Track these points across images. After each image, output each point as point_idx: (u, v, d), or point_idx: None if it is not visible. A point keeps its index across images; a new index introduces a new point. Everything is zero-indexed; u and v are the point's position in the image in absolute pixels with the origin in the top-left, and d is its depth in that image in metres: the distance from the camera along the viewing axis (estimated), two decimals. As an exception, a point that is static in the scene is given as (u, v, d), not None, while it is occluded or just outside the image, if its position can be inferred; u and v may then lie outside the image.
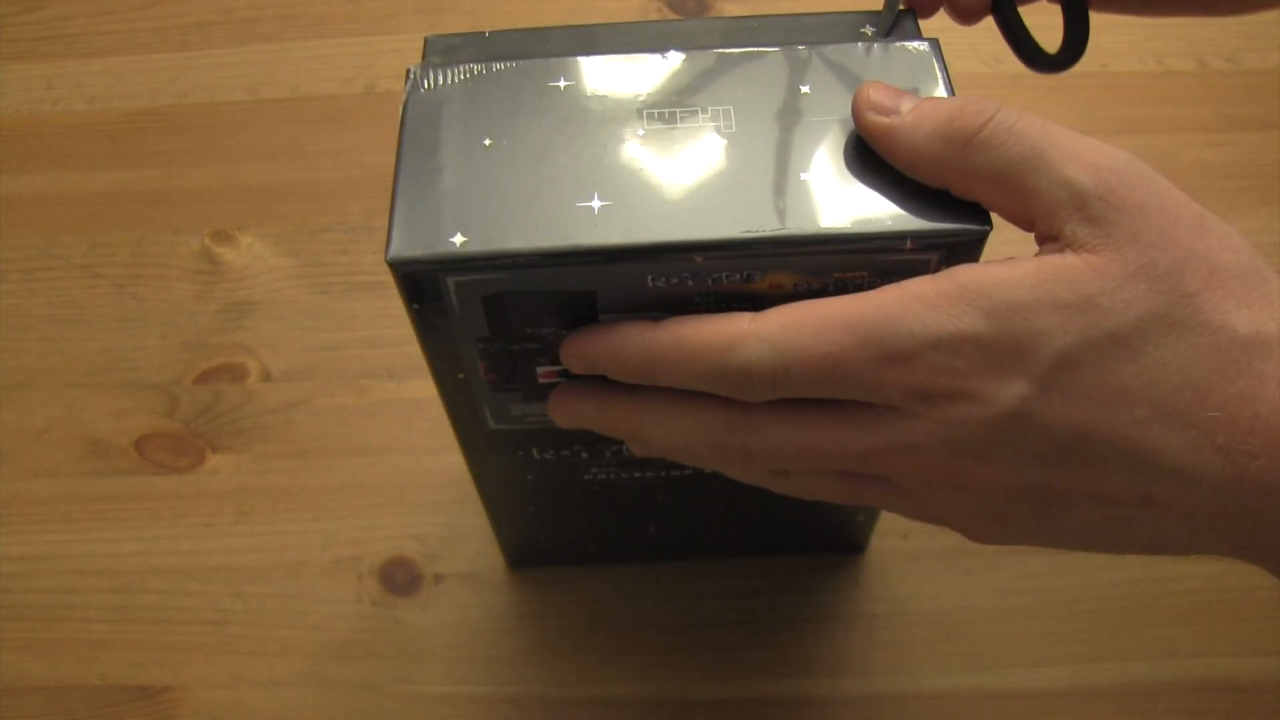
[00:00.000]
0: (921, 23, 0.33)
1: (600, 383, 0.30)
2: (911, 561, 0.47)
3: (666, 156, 0.29)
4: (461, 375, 0.32)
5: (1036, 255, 0.27)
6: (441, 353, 0.31)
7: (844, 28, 0.32)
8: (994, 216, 0.28)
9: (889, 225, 0.27)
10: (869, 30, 0.32)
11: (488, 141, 0.29)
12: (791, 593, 0.46)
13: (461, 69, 0.31)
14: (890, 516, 0.45)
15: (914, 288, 0.26)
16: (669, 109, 0.30)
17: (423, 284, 0.28)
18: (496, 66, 0.31)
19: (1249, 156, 0.57)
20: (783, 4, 0.33)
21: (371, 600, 0.47)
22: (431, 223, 0.28)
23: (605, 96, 0.30)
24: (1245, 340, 0.25)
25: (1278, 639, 0.44)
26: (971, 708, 0.44)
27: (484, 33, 0.32)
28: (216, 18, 0.65)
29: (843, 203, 0.28)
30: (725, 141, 0.29)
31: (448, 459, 0.49)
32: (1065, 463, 0.27)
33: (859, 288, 0.28)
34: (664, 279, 0.28)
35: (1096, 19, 0.34)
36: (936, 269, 0.28)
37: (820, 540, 0.46)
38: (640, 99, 0.30)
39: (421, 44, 0.32)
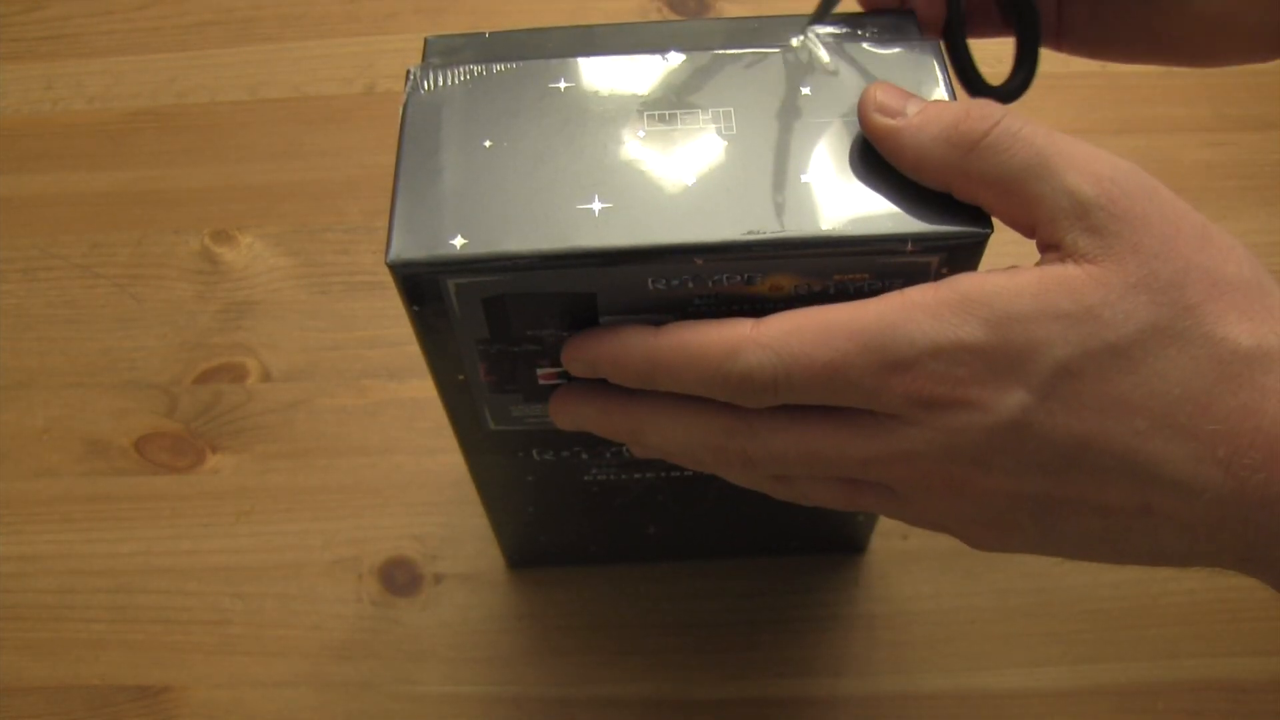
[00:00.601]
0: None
1: (601, 385, 0.30)
2: (911, 561, 0.47)
3: (667, 158, 0.29)
4: (462, 377, 0.32)
5: (1038, 264, 0.27)
6: (441, 354, 0.31)
7: (845, 27, 0.32)
8: (996, 220, 0.28)
9: (889, 227, 0.27)
10: (871, 31, 0.32)
11: (488, 143, 0.29)
12: (791, 593, 0.46)
13: (462, 70, 0.31)
14: (890, 516, 0.45)
15: (916, 295, 0.26)
16: (669, 110, 0.30)
17: (423, 286, 0.28)
18: (497, 68, 0.31)
19: (1249, 156, 0.57)
20: (783, 4, 0.33)
21: (371, 600, 0.47)
22: (432, 224, 0.28)
23: (606, 98, 0.30)
24: (1247, 353, 0.25)
25: (1278, 639, 0.44)
26: (971, 708, 0.44)
27: (484, 34, 0.32)
28: (216, 18, 0.65)
29: (843, 205, 0.28)
30: (726, 143, 0.29)
31: (448, 459, 0.49)
32: (1065, 472, 0.27)
33: (860, 289, 0.28)
34: (664, 281, 0.28)
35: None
36: (937, 271, 0.28)
37: (820, 541, 0.46)
38: (640, 100, 0.30)
39: (421, 44, 0.32)
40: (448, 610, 0.46)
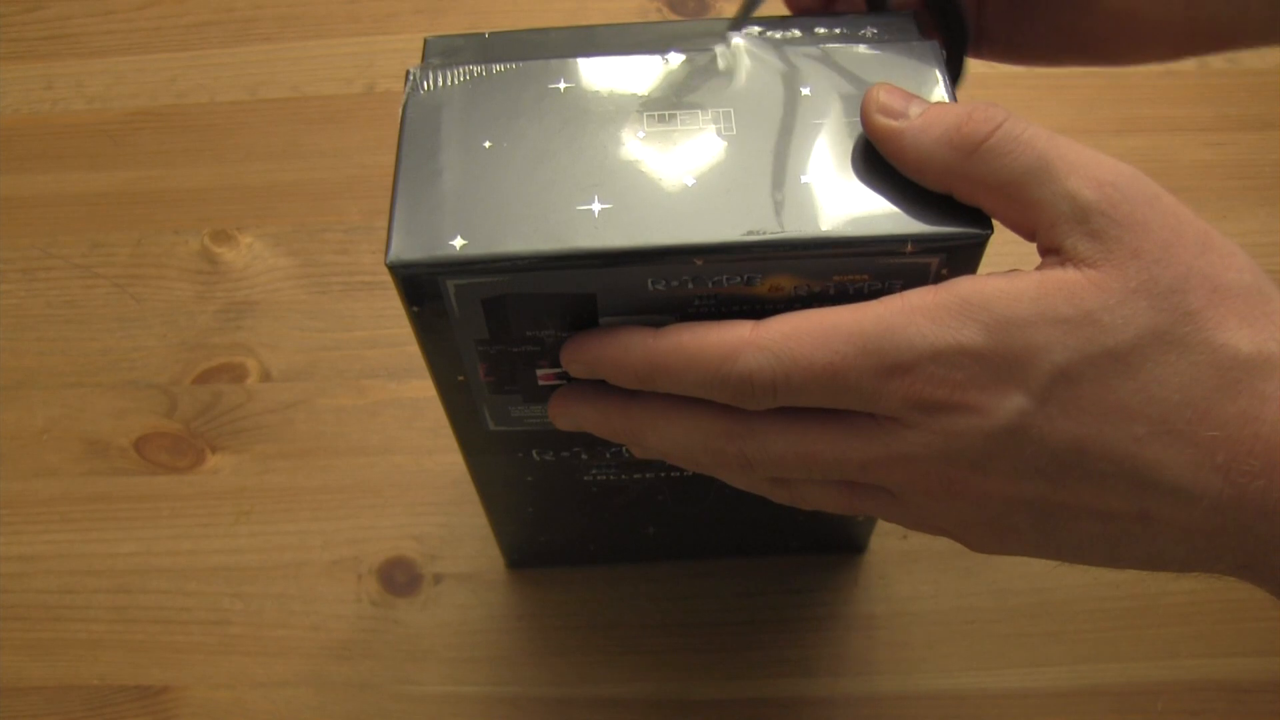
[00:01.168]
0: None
1: (600, 387, 0.30)
2: (911, 561, 0.47)
3: (667, 158, 0.29)
4: (461, 377, 0.32)
5: (1038, 268, 0.27)
6: (441, 354, 0.31)
7: (844, 28, 0.32)
8: (996, 222, 0.28)
9: (889, 228, 0.27)
10: (870, 31, 0.32)
11: (488, 143, 0.29)
12: (791, 593, 0.46)
13: (461, 70, 0.31)
14: (890, 516, 0.45)
15: (915, 299, 0.26)
16: (669, 110, 0.30)
17: (422, 286, 0.28)
18: (496, 68, 0.30)
19: (1249, 156, 0.57)
20: (783, 5, 0.33)
21: (371, 600, 0.47)
22: (431, 225, 0.28)
23: (605, 98, 0.30)
24: (1247, 359, 0.25)
25: (1278, 639, 0.44)
26: (971, 708, 0.44)
27: (484, 34, 0.32)
28: (216, 18, 0.65)
29: (843, 205, 0.28)
30: (726, 143, 0.29)
31: (448, 459, 0.49)
32: (1063, 477, 0.27)
33: (860, 290, 0.28)
34: (664, 282, 0.28)
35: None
36: (937, 272, 0.28)
37: (820, 541, 0.46)
38: (640, 100, 0.30)
39: (421, 44, 0.32)
40: (447, 610, 0.46)
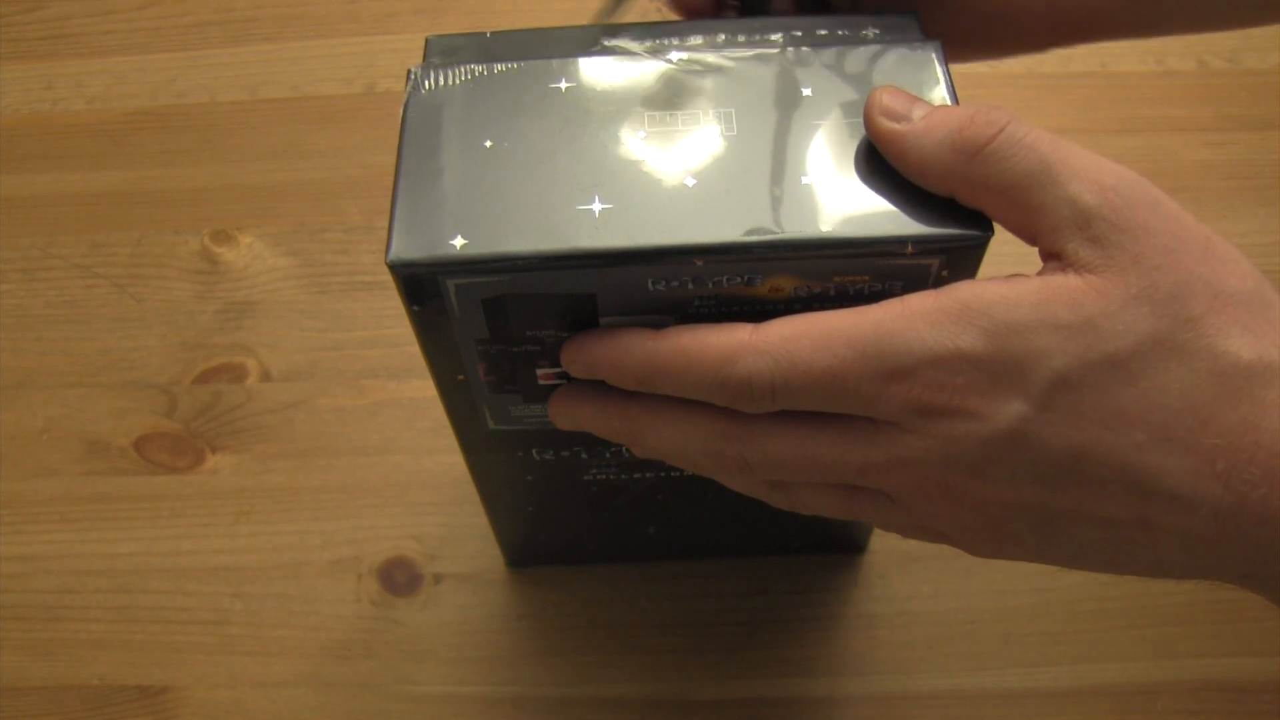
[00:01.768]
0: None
1: (600, 386, 0.30)
2: (911, 561, 0.47)
3: (668, 158, 0.29)
4: (461, 376, 0.32)
5: (1039, 273, 0.27)
6: (441, 354, 0.31)
7: (846, 28, 0.32)
8: (997, 225, 0.28)
9: (889, 230, 0.27)
10: (872, 32, 0.32)
11: (488, 143, 0.29)
12: (791, 593, 0.46)
13: (463, 70, 0.31)
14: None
15: (915, 303, 0.26)
16: (670, 111, 0.30)
17: (423, 286, 0.28)
18: (498, 67, 0.31)
19: (1249, 156, 0.57)
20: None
21: (371, 600, 0.47)
22: (432, 225, 0.28)
23: (607, 98, 0.30)
24: (1248, 367, 0.25)
25: (1278, 639, 0.44)
26: (971, 708, 0.44)
27: (485, 34, 0.32)
28: (216, 18, 0.65)
29: (843, 207, 0.28)
30: (726, 144, 0.29)
31: (447, 459, 0.49)
32: (1062, 483, 0.26)
33: (860, 291, 0.28)
34: (664, 282, 0.28)
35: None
36: (938, 273, 0.28)
37: (820, 541, 0.46)
38: (641, 100, 0.30)
39: (421, 44, 0.32)
40: (447, 610, 0.46)
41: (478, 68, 0.31)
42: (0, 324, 0.55)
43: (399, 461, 0.50)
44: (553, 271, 0.28)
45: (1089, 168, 0.26)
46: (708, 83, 0.30)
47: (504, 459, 0.37)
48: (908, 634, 0.45)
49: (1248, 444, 0.25)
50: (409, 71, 0.31)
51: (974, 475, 0.27)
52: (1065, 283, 0.26)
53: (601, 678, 0.45)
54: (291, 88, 0.62)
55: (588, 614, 0.46)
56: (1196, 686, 0.44)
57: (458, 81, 0.30)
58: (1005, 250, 0.30)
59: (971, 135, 0.27)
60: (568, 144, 0.29)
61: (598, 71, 0.30)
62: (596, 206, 0.28)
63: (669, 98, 0.30)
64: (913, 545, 0.47)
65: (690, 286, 0.28)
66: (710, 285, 0.28)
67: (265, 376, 0.53)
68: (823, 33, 0.32)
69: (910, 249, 0.27)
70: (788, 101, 0.30)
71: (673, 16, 0.35)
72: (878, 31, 0.32)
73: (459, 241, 0.27)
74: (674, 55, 0.31)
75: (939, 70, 0.30)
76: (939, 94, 0.30)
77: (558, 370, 0.31)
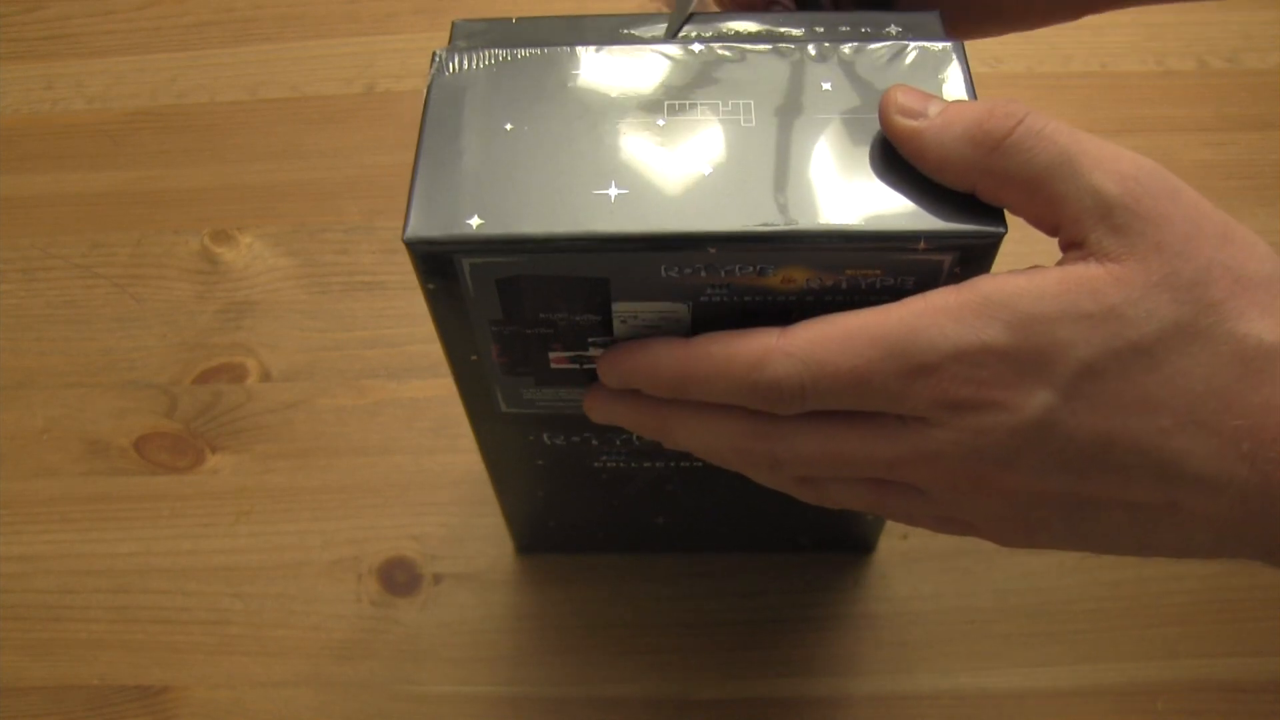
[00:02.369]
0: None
1: None
2: (911, 561, 0.47)
3: (685, 147, 0.29)
4: (475, 357, 0.32)
5: (1059, 264, 0.27)
6: (456, 334, 0.31)
7: (868, 25, 0.32)
8: (1013, 221, 0.28)
9: (902, 224, 0.27)
10: (894, 29, 0.32)
11: (509, 126, 0.29)
12: (792, 593, 0.46)
13: (487, 54, 0.31)
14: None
15: (937, 299, 0.26)
16: (690, 100, 0.30)
17: (438, 264, 0.28)
18: (521, 53, 0.31)
19: (1249, 156, 0.57)
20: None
21: (371, 600, 0.47)
22: (449, 204, 0.28)
23: (627, 85, 0.30)
24: (1270, 349, 0.26)
25: (1278, 639, 0.44)
26: (971, 708, 0.44)
27: (511, 19, 0.32)
28: (216, 18, 0.65)
29: (857, 200, 0.28)
30: (744, 135, 0.29)
31: (447, 459, 0.49)
32: (1090, 470, 0.27)
33: (873, 285, 0.29)
34: (677, 269, 0.28)
35: (1099, 18, 0.34)
36: (951, 270, 0.28)
37: (829, 538, 0.46)
38: (662, 89, 0.30)
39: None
40: (447, 610, 0.46)
41: (501, 52, 0.31)
42: (0, 324, 0.55)
43: (399, 461, 0.50)
44: (567, 254, 0.28)
45: (1108, 157, 0.26)
46: (728, 74, 0.30)
47: (515, 442, 0.37)
48: (908, 634, 0.45)
49: (1272, 424, 0.26)
50: (434, 54, 0.31)
51: (1003, 466, 0.27)
52: (1087, 272, 0.26)
53: (601, 678, 0.45)
54: (291, 88, 0.62)
55: (588, 614, 0.46)
56: (1196, 686, 0.44)
57: (481, 65, 0.31)
58: (1006, 250, 0.30)
59: (991, 128, 0.27)
60: (587, 130, 0.29)
61: (619, 60, 0.31)
62: (613, 191, 0.28)
63: (689, 88, 0.30)
64: (913, 545, 0.47)
65: (703, 274, 0.28)
66: (723, 274, 0.28)
67: (265, 376, 0.53)
68: (845, 28, 0.32)
69: (923, 245, 0.27)
70: (807, 95, 0.30)
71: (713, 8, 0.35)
72: (900, 29, 0.32)
73: (475, 221, 0.28)
74: (695, 46, 0.31)
75: (959, 68, 0.30)
76: (959, 92, 0.30)
77: (570, 354, 0.31)
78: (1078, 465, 0.27)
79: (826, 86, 0.30)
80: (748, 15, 0.33)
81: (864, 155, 0.29)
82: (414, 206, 0.28)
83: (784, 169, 0.28)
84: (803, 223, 0.27)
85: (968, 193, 0.28)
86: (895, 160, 0.28)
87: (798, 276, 0.28)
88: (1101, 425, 0.26)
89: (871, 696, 0.44)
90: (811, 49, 0.31)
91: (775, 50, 0.31)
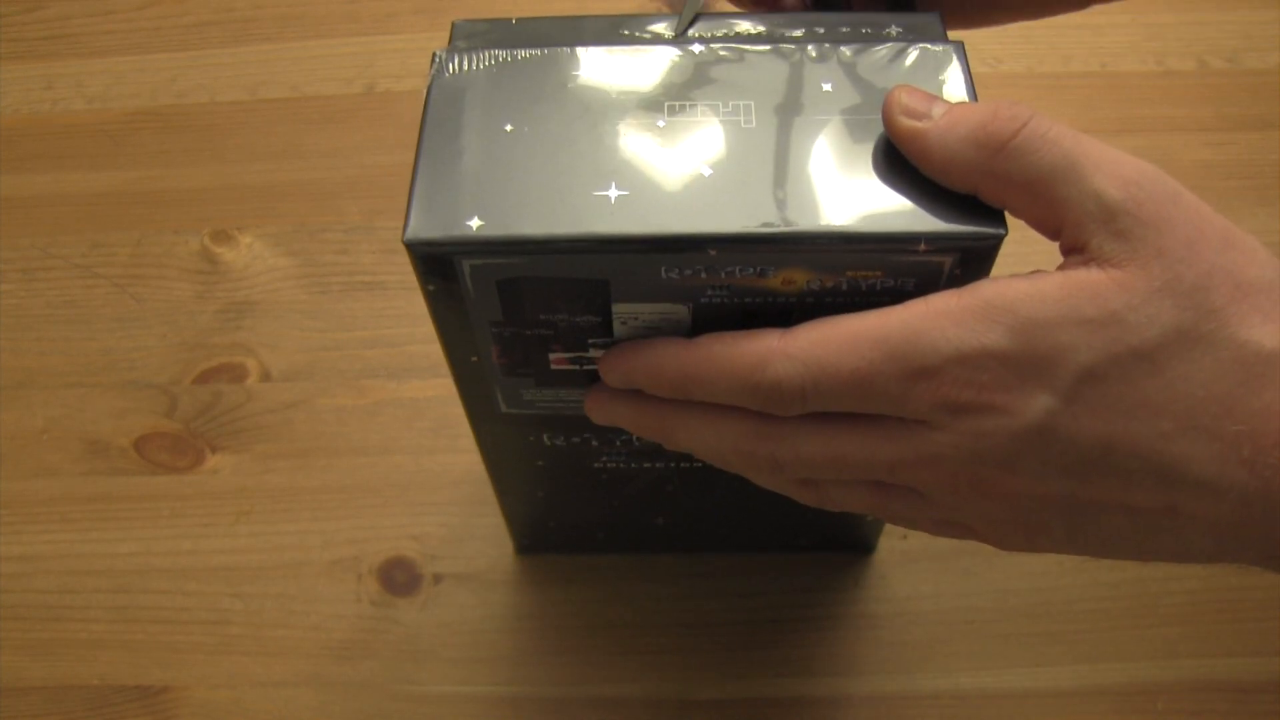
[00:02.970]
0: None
1: None
2: (911, 561, 0.47)
3: (685, 148, 0.29)
4: (475, 358, 0.32)
5: (1061, 268, 0.27)
6: (456, 335, 0.31)
7: (869, 26, 0.32)
8: (1013, 223, 0.28)
9: (902, 226, 0.27)
10: (894, 30, 0.32)
11: (509, 127, 0.29)
12: (792, 593, 0.46)
13: (487, 55, 0.31)
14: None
15: (939, 302, 0.27)
16: (690, 101, 0.30)
17: (439, 265, 0.28)
18: (521, 53, 0.31)
19: (1249, 156, 0.57)
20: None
21: (371, 600, 0.47)
22: (449, 205, 0.28)
23: (628, 86, 0.30)
24: (1270, 354, 0.26)
25: (1278, 639, 0.44)
26: (971, 708, 0.44)
27: (511, 20, 0.32)
28: (216, 18, 0.65)
29: (858, 201, 0.28)
30: (745, 136, 0.29)
31: (447, 459, 0.49)
32: (1091, 474, 0.27)
33: (873, 287, 0.29)
34: (678, 270, 0.28)
35: (1099, 18, 0.34)
36: (951, 271, 0.28)
37: (829, 539, 0.46)
38: (662, 90, 0.30)
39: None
40: (447, 610, 0.46)
41: (501, 53, 0.31)
42: (0, 324, 0.55)
43: (399, 461, 0.50)
44: (566, 255, 0.28)
45: (1111, 162, 0.27)
46: (728, 75, 0.30)
47: (515, 443, 0.37)
48: (908, 634, 0.45)
49: (1272, 430, 0.26)
50: (434, 54, 0.31)
51: (1003, 469, 0.27)
52: (1089, 277, 0.26)
53: (601, 678, 0.45)
54: (291, 88, 0.62)
55: (588, 614, 0.46)
56: (1196, 686, 0.44)
57: (481, 66, 0.31)
58: (1006, 251, 0.30)
59: (995, 130, 0.27)
60: (587, 130, 0.29)
61: (619, 60, 0.31)
62: (613, 193, 0.28)
63: (689, 88, 0.30)
64: (913, 545, 0.47)
65: (703, 275, 0.28)
66: (723, 275, 0.28)
67: (265, 376, 0.53)
68: (845, 29, 0.32)
69: (923, 246, 0.27)
70: (808, 96, 0.30)
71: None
72: (900, 30, 0.32)
73: (475, 222, 0.28)
74: (695, 47, 0.31)
75: (960, 69, 0.30)
76: (960, 93, 0.30)
77: (570, 355, 0.31)
78: (1078, 469, 0.27)
79: (827, 87, 0.30)
80: (753, 15, 0.33)
81: (864, 156, 0.29)
82: (414, 207, 0.28)
83: (784, 170, 0.28)
84: (803, 224, 0.27)
85: (969, 194, 0.28)
86: (896, 162, 0.28)
87: (798, 278, 0.28)
88: (1102, 429, 0.26)
89: (871, 696, 0.44)
90: (812, 50, 0.31)
91: (775, 51, 0.31)
